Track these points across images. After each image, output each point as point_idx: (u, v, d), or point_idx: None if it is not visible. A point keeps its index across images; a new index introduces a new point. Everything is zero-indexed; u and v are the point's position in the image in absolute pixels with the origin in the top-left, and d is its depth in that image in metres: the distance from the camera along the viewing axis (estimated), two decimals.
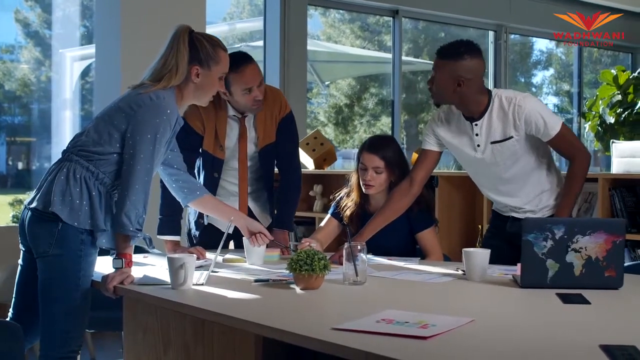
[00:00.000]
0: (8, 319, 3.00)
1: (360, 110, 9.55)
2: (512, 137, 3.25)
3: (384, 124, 9.38)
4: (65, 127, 6.77)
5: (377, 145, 3.63)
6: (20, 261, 3.00)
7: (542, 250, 2.66)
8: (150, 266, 3.24)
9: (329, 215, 3.81)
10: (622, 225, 2.67)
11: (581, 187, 3.34)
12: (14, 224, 6.39)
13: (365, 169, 3.61)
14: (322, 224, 3.82)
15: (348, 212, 3.71)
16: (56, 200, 2.79)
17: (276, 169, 3.87)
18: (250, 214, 3.70)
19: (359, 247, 2.79)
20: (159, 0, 5.53)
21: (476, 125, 3.31)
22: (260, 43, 7.45)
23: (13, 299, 3.02)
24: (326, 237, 3.76)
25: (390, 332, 1.99)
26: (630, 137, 7.87)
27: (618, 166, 5.87)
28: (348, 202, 3.73)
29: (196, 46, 2.96)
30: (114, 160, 2.87)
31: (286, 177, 3.81)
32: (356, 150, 8.95)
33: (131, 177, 2.81)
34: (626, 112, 8.28)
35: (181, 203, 3.33)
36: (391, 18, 8.23)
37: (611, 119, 8.34)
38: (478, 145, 3.33)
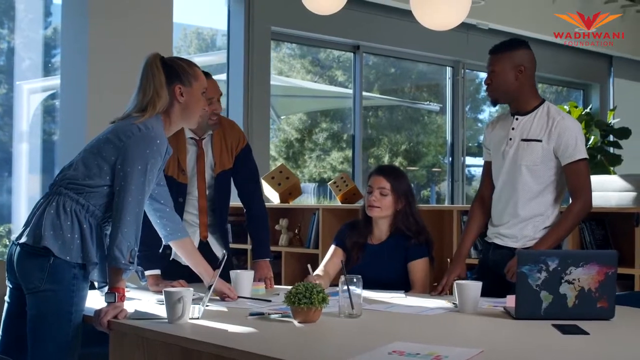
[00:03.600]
0: None
1: (310, 144, 9.59)
2: (541, 140, 3.35)
3: (334, 159, 9.42)
4: (22, 159, 6.66)
5: (385, 169, 3.77)
6: (7, 298, 2.94)
7: (537, 282, 2.70)
8: (137, 300, 3.20)
9: (333, 246, 3.83)
10: (614, 257, 2.72)
11: (571, 227, 3.43)
12: None
13: (371, 192, 3.69)
14: (328, 255, 3.82)
15: (350, 242, 3.75)
16: (47, 234, 2.74)
17: (240, 203, 3.89)
18: (207, 245, 3.71)
19: (354, 280, 2.80)
20: (126, 31, 5.51)
21: (517, 119, 3.44)
22: (218, 77, 7.44)
23: None
24: (334, 268, 3.76)
25: None
26: None
27: None
28: (350, 232, 3.77)
29: (172, 67, 2.97)
30: (104, 192, 2.84)
31: (252, 208, 3.85)
32: (308, 185, 8.93)
33: (123, 209, 2.78)
34: None
35: (163, 240, 3.29)
36: (351, 53, 8.32)
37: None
38: (510, 139, 3.44)
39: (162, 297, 2.96)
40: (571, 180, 3.38)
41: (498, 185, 3.53)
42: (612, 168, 8.42)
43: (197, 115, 3.05)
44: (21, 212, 6.50)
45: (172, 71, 2.95)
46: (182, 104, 2.97)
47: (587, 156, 3.41)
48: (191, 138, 3.68)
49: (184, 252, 3.33)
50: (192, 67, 3.01)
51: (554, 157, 3.36)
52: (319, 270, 3.75)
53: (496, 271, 3.40)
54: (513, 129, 3.44)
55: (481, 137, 9.29)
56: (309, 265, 3.47)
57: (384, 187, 3.67)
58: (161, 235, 3.25)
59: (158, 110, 2.92)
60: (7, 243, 6.41)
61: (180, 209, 3.63)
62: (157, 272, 3.55)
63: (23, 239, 2.79)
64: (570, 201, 3.41)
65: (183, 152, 3.67)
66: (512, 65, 3.40)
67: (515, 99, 3.45)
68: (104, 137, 2.91)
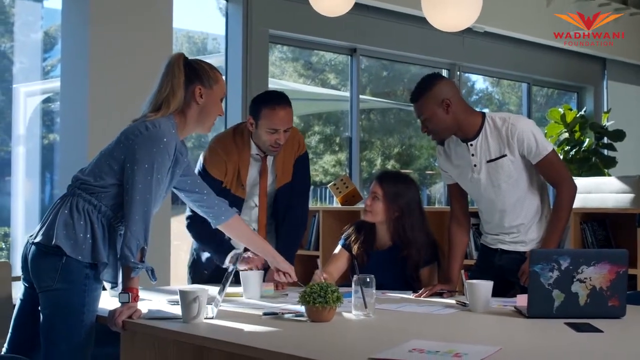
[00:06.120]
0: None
1: None
2: (505, 155, 3.34)
3: (326, 162, 9.41)
4: (19, 163, 6.64)
5: (382, 176, 3.74)
6: (20, 296, 2.95)
7: (549, 281, 2.72)
8: (148, 301, 3.19)
9: (339, 247, 3.83)
10: (625, 256, 2.75)
11: (568, 218, 3.44)
12: None
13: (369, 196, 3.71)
14: (334, 255, 3.84)
15: (355, 247, 3.75)
16: (59, 233, 2.75)
17: None
18: None
19: (367, 280, 2.81)
20: (126, 35, 5.51)
21: (471, 145, 3.40)
22: None
23: (9, 335, 2.94)
24: (338, 270, 3.78)
25: None
26: (578, 174, 8.08)
27: (574, 202, 6.02)
28: (356, 235, 3.78)
29: (194, 67, 2.97)
30: (115, 192, 2.85)
31: (294, 214, 3.83)
32: None
33: (131, 207, 2.78)
34: (574, 150, 8.51)
35: (212, 226, 3.33)
36: (346, 56, 8.33)
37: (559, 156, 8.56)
38: (475, 165, 3.42)
39: (173, 297, 2.98)
40: (548, 174, 3.41)
41: (483, 208, 3.56)
42: (606, 170, 8.47)
43: (213, 120, 3.04)
44: (18, 214, 6.47)
45: (193, 71, 2.95)
46: (200, 106, 2.96)
47: (552, 146, 3.41)
48: (257, 154, 3.71)
49: (235, 234, 3.38)
50: (214, 71, 3.01)
51: (523, 159, 3.37)
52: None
53: (502, 274, 3.41)
54: (473, 154, 3.41)
55: None
56: (318, 261, 3.49)
57: (376, 193, 3.67)
58: (211, 224, 3.29)
59: (172, 110, 2.91)
60: (3, 246, 6.39)
61: None
62: (238, 251, 3.53)
63: (37, 238, 2.81)
64: (556, 192, 3.41)
65: (245, 167, 3.69)
66: (437, 103, 3.33)
67: (458, 129, 3.41)
68: (117, 138, 2.93)
